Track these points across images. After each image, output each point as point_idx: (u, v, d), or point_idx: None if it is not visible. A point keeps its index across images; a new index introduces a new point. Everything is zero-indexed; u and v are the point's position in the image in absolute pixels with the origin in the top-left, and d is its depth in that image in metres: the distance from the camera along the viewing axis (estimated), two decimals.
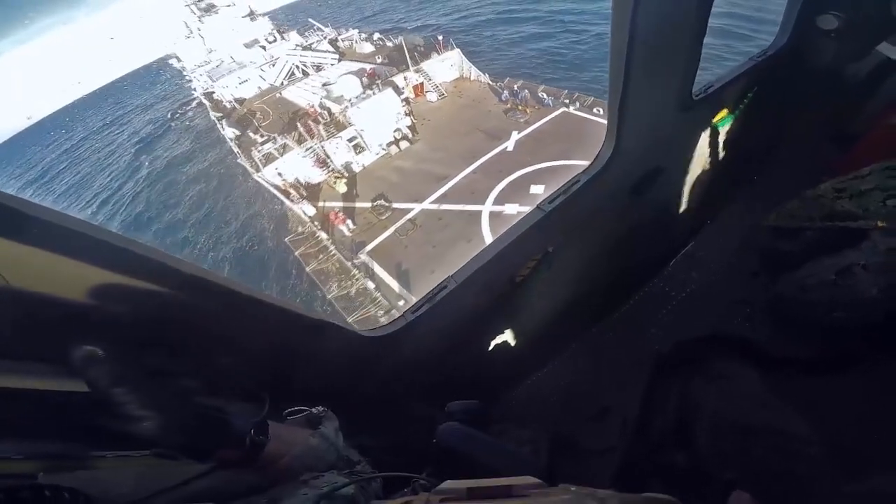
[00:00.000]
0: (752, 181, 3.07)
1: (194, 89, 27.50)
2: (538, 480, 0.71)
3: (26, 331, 0.78)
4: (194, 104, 30.47)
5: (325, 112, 16.17)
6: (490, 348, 2.35)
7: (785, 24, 2.53)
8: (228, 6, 24.64)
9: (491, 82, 18.36)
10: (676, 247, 3.00)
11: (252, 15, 24.75)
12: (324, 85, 17.27)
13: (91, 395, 0.75)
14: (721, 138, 2.57)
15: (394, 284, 11.57)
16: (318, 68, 20.62)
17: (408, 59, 17.73)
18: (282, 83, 21.16)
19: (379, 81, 17.01)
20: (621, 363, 2.49)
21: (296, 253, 13.51)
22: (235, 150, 17.84)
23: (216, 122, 20.82)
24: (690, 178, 2.64)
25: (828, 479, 1.32)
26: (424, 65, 18.41)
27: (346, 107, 15.39)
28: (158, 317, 0.95)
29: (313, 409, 1.15)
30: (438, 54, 18.24)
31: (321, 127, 15.07)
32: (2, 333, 0.76)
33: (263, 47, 23.43)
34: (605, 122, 1.95)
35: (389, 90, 16.27)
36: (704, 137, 2.47)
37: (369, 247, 12.69)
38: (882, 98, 2.49)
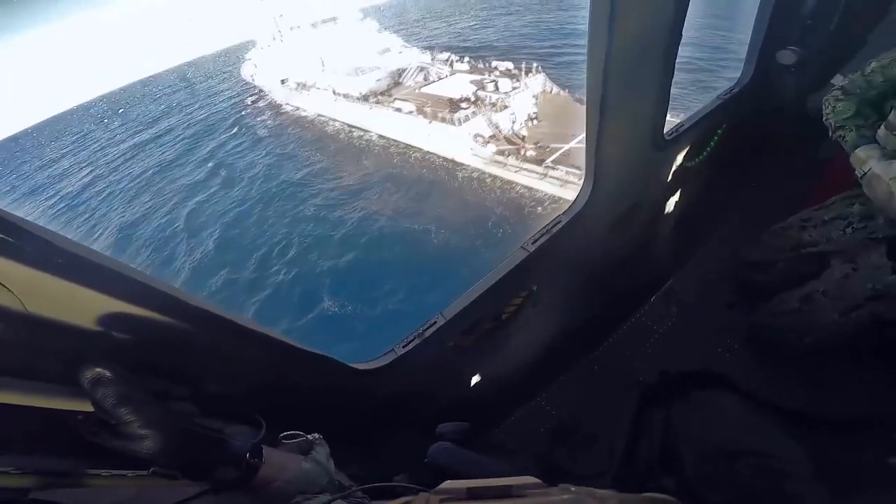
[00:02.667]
0: (727, 215, 3.22)
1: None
2: (538, 480, 0.72)
3: (38, 353, 0.82)
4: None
5: (486, 98, 21.30)
6: (479, 382, 2.37)
7: (748, 61, 2.75)
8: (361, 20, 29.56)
9: (569, 94, 22.67)
10: (656, 282, 3.11)
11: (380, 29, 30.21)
12: (486, 81, 22.84)
13: (93, 414, 0.79)
14: (694, 175, 2.72)
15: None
16: (439, 76, 26.12)
17: (522, 74, 22.92)
18: (415, 82, 26.36)
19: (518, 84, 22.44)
20: (608, 394, 2.52)
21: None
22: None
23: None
24: (667, 216, 2.78)
25: (816, 498, 1.35)
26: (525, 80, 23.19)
27: (502, 97, 20.98)
28: (162, 344, 1.01)
29: (308, 436, 1.18)
30: (526, 75, 23.09)
31: (489, 107, 20.62)
32: (15, 354, 0.80)
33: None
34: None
35: (527, 89, 21.86)
36: (678, 175, 2.62)
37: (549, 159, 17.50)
38: None
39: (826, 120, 1.90)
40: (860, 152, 1.71)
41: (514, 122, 20.09)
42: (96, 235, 24.05)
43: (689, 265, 3.14)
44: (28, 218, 0.82)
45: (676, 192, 2.72)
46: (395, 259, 16.18)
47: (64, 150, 45.18)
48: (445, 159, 20.98)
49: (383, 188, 20.76)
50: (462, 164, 20.13)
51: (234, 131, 32.31)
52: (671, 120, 2.28)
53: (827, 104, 1.89)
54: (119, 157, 35.47)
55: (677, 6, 1.73)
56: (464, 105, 21.14)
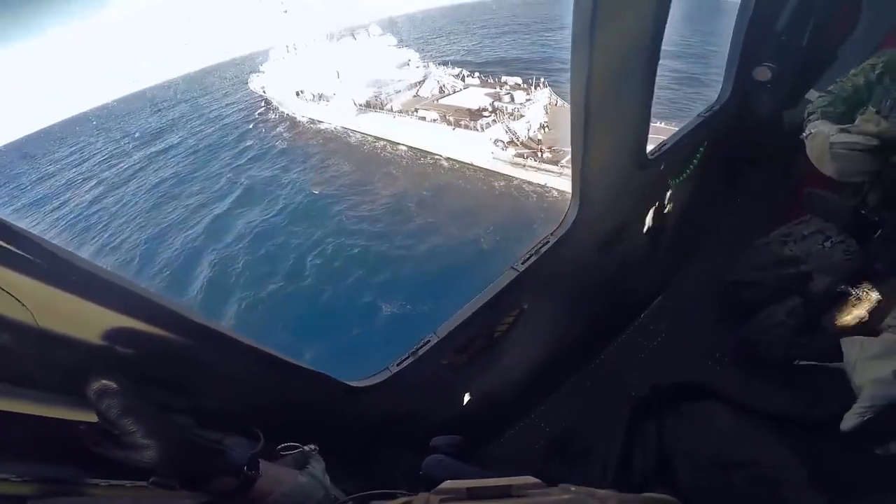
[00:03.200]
0: (712, 232, 3.30)
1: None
2: (538, 480, 0.72)
3: (44, 364, 0.85)
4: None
5: (503, 108, 23.20)
6: (473, 399, 2.37)
7: (726, 78, 2.82)
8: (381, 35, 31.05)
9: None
10: (646, 298, 3.16)
11: (399, 44, 32.01)
12: (503, 93, 24.81)
13: (95, 424, 0.80)
14: (679, 194, 2.78)
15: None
16: (453, 89, 27.58)
17: (532, 88, 24.90)
18: (432, 94, 27.69)
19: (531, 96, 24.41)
20: (601, 409, 2.54)
21: None
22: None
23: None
24: (653, 235, 2.83)
25: (814, 503, 1.36)
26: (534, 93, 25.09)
27: (518, 107, 22.96)
28: (164, 359, 1.04)
29: (305, 447, 1.19)
30: (535, 89, 24.99)
31: (506, 116, 22.46)
32: (22, 365, 0.82)
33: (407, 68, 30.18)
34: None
35: (539, 100, 23.82)
36: (663, 194, 2.69)
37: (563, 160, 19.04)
38: None
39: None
40: (814, 119, 1.79)
41: (528, 130, 21.98)
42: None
43: (677, 282, 3.20)
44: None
45: (662, 210, 2.78)
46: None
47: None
48: (473, 166, 22.41)
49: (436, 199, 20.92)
50: (489, 170, 21.81)
51: (248, 143, 32.24)
52: (658, 137, 2.36)
53: (805, 126, 1.97)
54: (131, 168, 34.41)
55: (654, 29, 1.82)
56: (485, 114, 22.92)
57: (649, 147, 2.31)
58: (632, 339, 2.95)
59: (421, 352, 1.89)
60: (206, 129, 39.74)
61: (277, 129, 32.78)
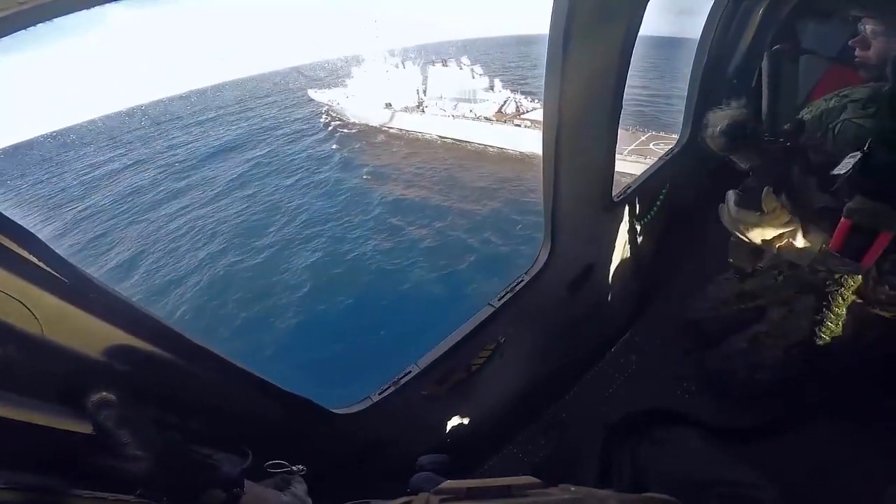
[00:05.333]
0: (676, 269, 3.47)
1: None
2: (538, 480, 0.74)
3: (44, 375, 0.87)
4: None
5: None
6: (452, 430, 2.38)
7: (685, 122, 3.00)
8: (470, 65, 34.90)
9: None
10: (616, 333, 3.26)
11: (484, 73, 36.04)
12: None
13: (88, 435, 0.82)
14: (643, 234, 2.94)
15: None
16: (528, 108, 33.18)
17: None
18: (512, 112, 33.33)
19: None
20: (577, 439, 2.58)
21: None
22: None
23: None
24: (621, 272, 2.96)
25: None
26: None
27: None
28: (160, 375, 1.09)
29: (293, 467, 1.20)
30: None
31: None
32: (22, 374, 0.84)
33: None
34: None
35: None
36: (629, 234, 2.83)
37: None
38: None
39: None
40: None
41: None
42: None
43: (645, 316, 3.33)
44: None
45: (628, 250, 2.93)
46: None
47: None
48: None
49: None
50: None
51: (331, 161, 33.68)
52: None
53: None
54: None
55: (617, 81, 2.01)
56: None
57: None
58: (604, 371, 3.03)
59: (402, 381, 1.95)
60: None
61: (379, 138, 36.13)
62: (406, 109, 35.25)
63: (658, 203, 2.96)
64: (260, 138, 43.25)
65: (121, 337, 0.97)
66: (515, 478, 0.75)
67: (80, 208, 33.09)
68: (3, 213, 0.75)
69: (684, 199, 3.14)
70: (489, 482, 0.74)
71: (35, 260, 0.79)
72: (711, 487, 1.53)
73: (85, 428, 0.82)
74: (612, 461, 1.98)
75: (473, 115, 32.37)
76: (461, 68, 34.02)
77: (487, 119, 32.03)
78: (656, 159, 2.98)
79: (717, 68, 2.89)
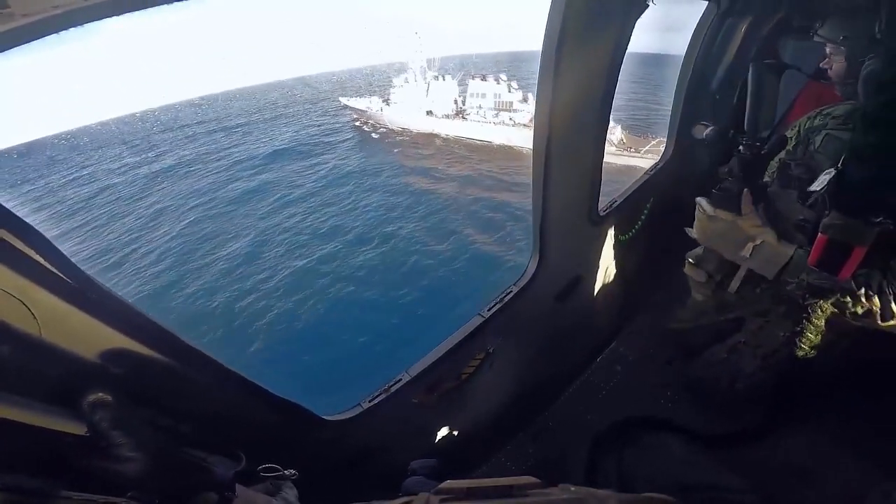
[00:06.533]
0: (660, 281, 3.56)
1: None
2: (538, 480, 0.74)
3: (39, 376, 0.86)
4: None
5: None
6: (442, 439, 2.40)
7: (669, 137, 3.08)
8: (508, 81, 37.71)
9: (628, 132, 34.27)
10: (602, 343, 3.31)
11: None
12: None
13: (81, 436, 0.82)
14: (628, 247, 3.01)
15: None
16: None
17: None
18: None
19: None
20: (564, 446, 2.61)
21: None
22: None
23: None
24: (606, 285, 3.02)
25: None
26: None
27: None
28: (155, 378, 1.09)
29: (285, 471, 1.21)
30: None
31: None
32: (18, 375, 0.83)
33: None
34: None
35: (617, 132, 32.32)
36: (614, 248, 2.90)
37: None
38: None
39: None
40: None
41: (621, 139, 31.18)
42: None
43: (630, 327, 3.39)
44: None
45: (614, 262, 2.99)
46: None
47: None
48: None
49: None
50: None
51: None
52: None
53: None
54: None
55: (605, 94, 2.08)
56: None
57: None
58: (590, 380, 3.07)
59: (393, 389, 1.96)
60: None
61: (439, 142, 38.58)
62: (447, 117, 38.64)
63: (642, 217, 3.04)
64: (314, 142, 44.65)
65: (119, 339, 0.97)
66: (516, 478, 0.76)
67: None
68: (9, 209, 0.75)
69: (668, 213, 3.21)
70: (489, 482, 0.75)
71: (38, 258, 0.79)
72: (695, 492, 1.57)
73: (78, 429, 0.81)
74: (598, 468, 2.02)
75: (513, 123, 35.49)
76: (499, 83, 36.64)
77: (525, 126, 34.18)
78: (642, 173, 3.06)
79: (701, 83, 2.97)
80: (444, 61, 44.07)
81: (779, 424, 2.04)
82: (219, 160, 42.08)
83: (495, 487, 0.75)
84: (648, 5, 1.94)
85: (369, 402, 1.91)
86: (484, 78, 37.77)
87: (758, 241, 1.70)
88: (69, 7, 0.64)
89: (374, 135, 41.84)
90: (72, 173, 49.53)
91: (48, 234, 0.83)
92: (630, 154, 29.66)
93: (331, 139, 44.55)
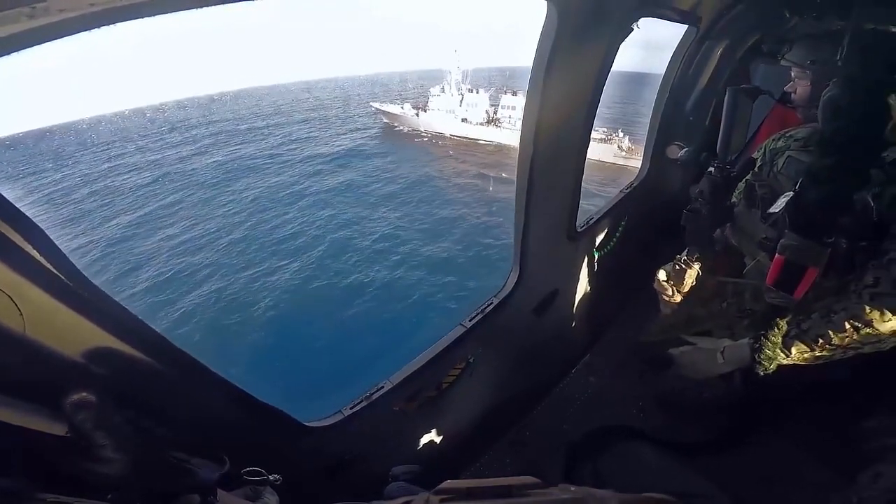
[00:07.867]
0: (634, 297, 3.65)
1: None
2: (537, 480, 0.74)
3: (24, 373, 0.86)
4: None
5: (613, 139, 40.93)
6: (422, 447, 2.41)
7: (645, 157, 3.18)
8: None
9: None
10: (577, 356, 3.40)
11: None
12: (607, 136, 40.79)
13: (61, 437, 0.79)
14: (604, 263, 3.12)
15: None
16: None
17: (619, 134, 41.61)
18: None
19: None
20: (540, 456, 2.67)
21: None
22: None
23: None
24: (582, 299, 3.12)
25: None
26: None
27: (619, 137, 40.82)
28: (138, 379, 1.09)
29: (270, 476, 1.18)
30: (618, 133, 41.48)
31: (615, 141, 40.32)
32: (3, 371, 0.83)
33: None
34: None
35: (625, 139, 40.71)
36: (590, 263, 3.00)
37: None
38: None
39: None
40: None
41: (628, 147, 38.03)
42: None
43: (603, 341, 3.49)
44: None
45: (590, 278, 3.09)
46: None
47: None
48: (603, 162, 37.03)
49: None
50: (614, 163, 37.07)
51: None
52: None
53: None
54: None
55: (588, 112, 2.18)
56: (607, 140, 39.39)
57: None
58: (565, 391, 3.14)
59: (374, 397, 1.97)
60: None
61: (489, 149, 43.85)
62: (481, 124, 45.07)
63: (617, 234, 3.16)
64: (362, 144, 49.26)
65: (106, 339, 0.96)
66: (516, 477, 0.77)
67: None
68: (10, 201, 0.72)
69: (642, 231, 3.36)
70: (489, 482, 0.76)
71: (33, 253, 0.77)
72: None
73: (58, 429, 0.78)
74: (574, 475, 2.05)
75: None
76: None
77: None
78: (618, 192, 3.19)
79: (677, 105, 3.09)
80: (475, 73, 49.67)
81: (745, 432, 2.14)
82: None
83: (495, 487, 0.76)
84: (633, 29, 2.04)
85: (350, 409, 1.91)
86: (514, 93, 43.74)
87: (721, 349, 1.88)
88: (106, 5, 0.63)
89: (416, 139, 47.51)
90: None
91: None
92: (636, 158, 32.52)
93: (367, 144, 48.89)
